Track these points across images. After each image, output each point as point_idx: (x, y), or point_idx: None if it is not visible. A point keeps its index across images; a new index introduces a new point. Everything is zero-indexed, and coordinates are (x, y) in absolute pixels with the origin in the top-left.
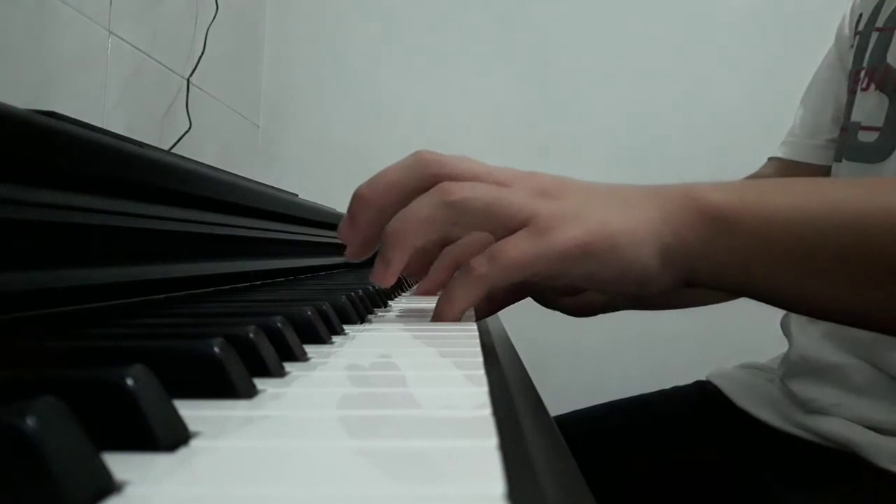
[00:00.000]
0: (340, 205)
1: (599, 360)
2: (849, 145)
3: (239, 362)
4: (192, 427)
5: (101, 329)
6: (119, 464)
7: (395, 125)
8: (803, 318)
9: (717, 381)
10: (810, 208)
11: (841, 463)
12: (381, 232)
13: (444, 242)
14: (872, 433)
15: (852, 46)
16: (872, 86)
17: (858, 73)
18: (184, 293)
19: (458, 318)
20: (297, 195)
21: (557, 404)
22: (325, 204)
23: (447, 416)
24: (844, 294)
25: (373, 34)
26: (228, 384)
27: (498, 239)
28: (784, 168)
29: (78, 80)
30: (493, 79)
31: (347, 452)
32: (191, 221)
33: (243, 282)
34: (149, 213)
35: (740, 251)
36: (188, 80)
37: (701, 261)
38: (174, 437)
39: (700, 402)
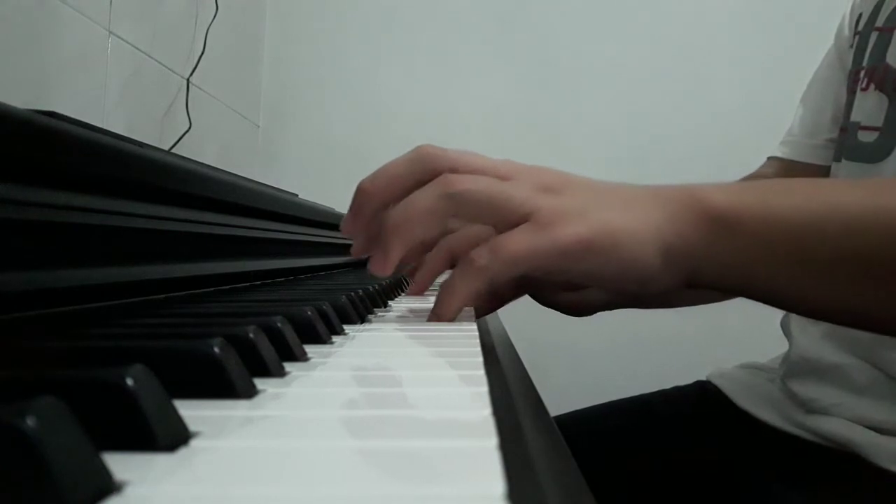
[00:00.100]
0: (340, 205)
1: (599, 360)
2: (848, 145)
3: (239, 362)
4: (192, 427)
5: (101, 329)
6: (119, 464)
7: (395, 125)
8: (803, 319)
9: (717, 381)
10: (811, 209)
11: (841, 463)
12: None
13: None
14: (872, 433)
15: (852, 46)
16: (872, 86)
17: (858, 72)
18: (184, 293)
19: (458, 310)
20: (297, 195)
21: (557, 404)
22: (325, 204)
23: (447, 417)
24: (844, 294)
25: (373, 34)
26: (228, 384)
27: (499, 233)
28: (783, 168)
29: (78, 80)
30: (493, 79)
31: (348, 452)
32: (191, 221)
33: (243, 282)
34: (149, 213)
35: (742, 252)
36: (188, 80)
37: (703, 262)
38: (174, 436)
39: (700, 402)
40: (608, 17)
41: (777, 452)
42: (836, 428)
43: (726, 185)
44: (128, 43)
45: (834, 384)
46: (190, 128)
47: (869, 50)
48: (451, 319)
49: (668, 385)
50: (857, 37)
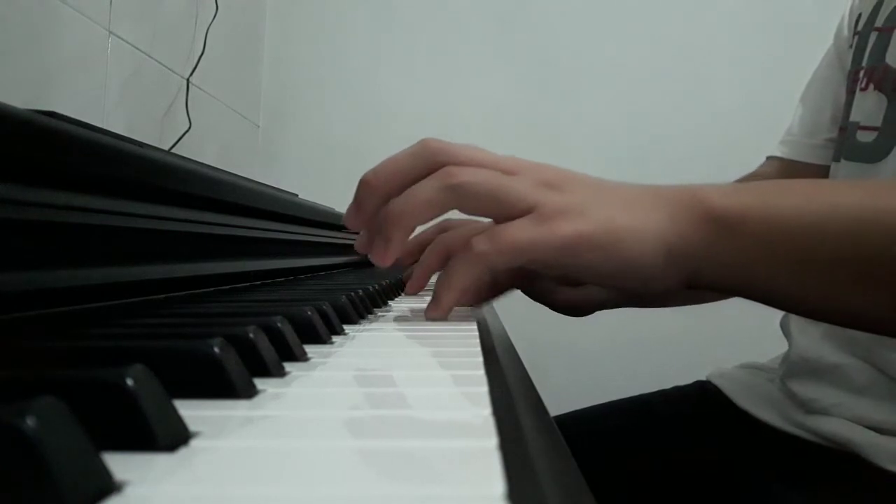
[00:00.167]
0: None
1: (599, 360)
2: (847, 145)
3: (239, 362)
4: (192, 427)
5: (101, 329)
6: (119, 464)
7: (395, 125)
8: (803, 319)
9: (717, 381)
10: (811, 210)
11: (841, 463)
12: None
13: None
14: (872, 433)
15: (851, 46)
16: (871, 86)
17: (857, 72)
18: (184, 293)
19: (456, 299)
20: (297, 195)
21: (557, 404)
22: (325, 204)
23: (447, 417)
24: (844, 295)
25: (373, 34)
26: (228, 384)
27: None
28: (783, 167)
29: (78, 80)
30: (493, 79)
31: (347, 452)
32: (191, 221)
33: (243, 282)
34: (149, 213)
35: (742, 253)
36: (188, 80)
37: (703, 262)
38: (174, 436)
39: (700, 402)
40: (608, 17)
41: (777, 452)
42: (836, 428)
43: (728, 187)
44: (128, 43)
45: (833, 384)
46: (190, 128)
47: (868, 50)
48: (450, 308)
49: (668, 385)
50: (856, 37)
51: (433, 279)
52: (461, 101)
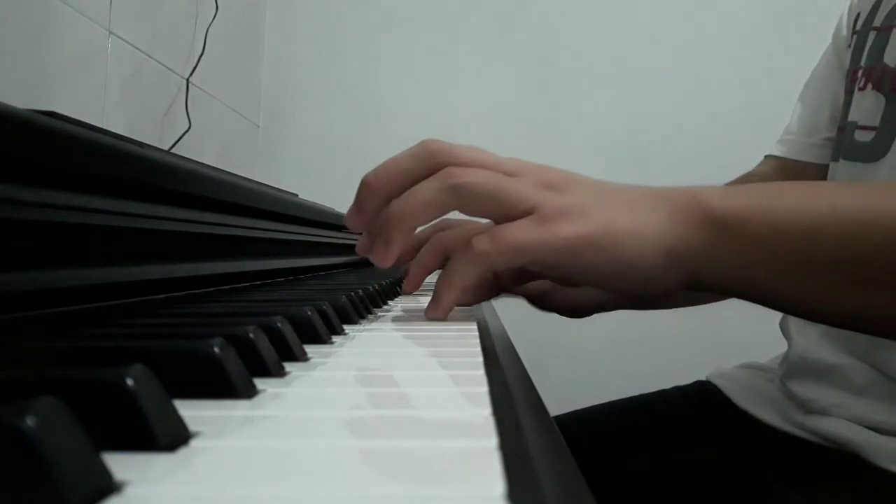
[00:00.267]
0: (340, 205)
1: (599, 360)
2: (846, 145)
3: (239, 362)
4: (192, 427)
5: (101, 329)
6: (119, 464)
7: (395, 125)
8: (802, 320)
9: (717, 381)
10: (810, 212)
11: (841, 463)
12: None
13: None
14: (872, 433)
15: (850, 45)
16: (869, 85)
17: (856, 72)
18: (184, 293)
19: (456, 298)
20: (297, 195)
21: (557, 404)
22: (325, 204)
23: (447, 417)
24: (842, 297)
25: (373, 34)
26: (228, 384)
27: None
28: (781, 166)
29: (78, 80)
30: (493, 79)
31: (348, 452)
32: (191, 221)
33: (243, 282)
34: (149, 213)
35: (742, 255)
36: (188, 80)
37: (704, 264)
38: (174, 436)
39: (700, 402)
40: (608, 17)
41: (777, 452)
42: (836, 428)
43: (728, 189)
44: (128, 43)
45: (832, 385)
46: (190, 128)
47: (867, 49)
48: (451, 307)
49: (668, 385)
50: (854, 36)
51: (431, 278)
52: (461, 102)
